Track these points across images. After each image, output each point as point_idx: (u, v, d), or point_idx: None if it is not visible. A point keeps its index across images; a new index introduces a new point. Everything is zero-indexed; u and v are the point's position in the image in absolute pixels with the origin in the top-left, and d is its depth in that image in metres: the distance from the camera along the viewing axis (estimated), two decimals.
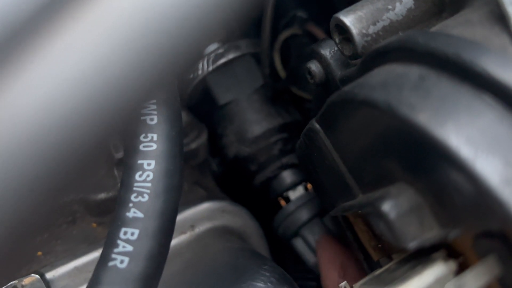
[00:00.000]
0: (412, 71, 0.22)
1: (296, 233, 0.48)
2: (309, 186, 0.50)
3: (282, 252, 0.50)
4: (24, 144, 0.18)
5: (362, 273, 0.40)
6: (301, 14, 0.56)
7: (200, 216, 0.43)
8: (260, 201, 0.51)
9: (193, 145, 0.49)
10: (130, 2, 0.17)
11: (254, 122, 0.50)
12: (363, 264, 0.36)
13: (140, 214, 0.27)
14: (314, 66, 0.33)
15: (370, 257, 0.36)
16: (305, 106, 0.55)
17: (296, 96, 0.54)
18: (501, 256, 0.19)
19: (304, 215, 0.47)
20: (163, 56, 0.18)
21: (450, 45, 0.21)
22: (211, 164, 0.52)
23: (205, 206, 0.44)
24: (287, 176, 0.50)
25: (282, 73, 0.54)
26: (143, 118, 0.30)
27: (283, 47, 0.54)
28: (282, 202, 0.50)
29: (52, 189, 0.19)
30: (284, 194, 0.50)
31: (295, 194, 0.50)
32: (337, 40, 0.31)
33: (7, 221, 0.19)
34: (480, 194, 0.18)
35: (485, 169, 0.18)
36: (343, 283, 0.30)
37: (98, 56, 0.17)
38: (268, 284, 0.33)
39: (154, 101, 0.30)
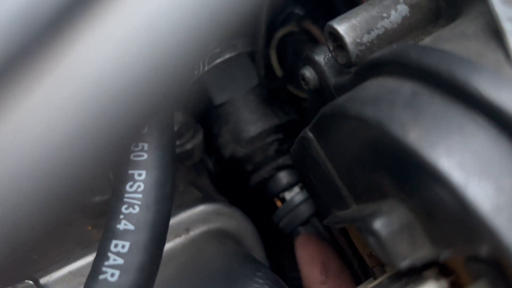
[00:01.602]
0: (405, 87, 0.22)
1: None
2: None
3: (278, 252, 0.50)
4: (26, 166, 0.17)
5: (344, 272, 0.39)
6: (298, 11, 0.55)
7: (195, 219, 0.43)
8: (256, 201, 0.51)
9: (189, 146, 0.49)
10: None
11: (249, 123, 0.49)
12: (355, 266, 0.36)
13: (131, 226, 0.27)
14: (308, 73, 0.33)
15: (365, 263, 0.36)
16: (302, 104, 0.54)
17: (293, 94, 0.53)
18: (492, 281, 0.18)
19: (308, 209, 0.47)
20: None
21: (443, 61, 0.20)
22: (207, 163, 0.52)
23: (200, 208, 0.44)
24: (283, 177, 0.50)
25: (278, 71, 0.53)
26: None
27: (279, 44, 0.54)
28: (278, 203, 0.50)
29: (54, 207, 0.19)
30: (280, 194, 0.50)
31: (291, 194, 0.49)
32: (331, 48, 0.30)
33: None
34: (471, 220, 0.18)
35: (477, 195, 0.17)
36: None
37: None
38: None
39: None
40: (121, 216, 0.27)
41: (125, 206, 0.28)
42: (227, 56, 0.50)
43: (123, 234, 0.27)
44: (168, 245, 0.43)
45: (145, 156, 0.29)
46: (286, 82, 0.53)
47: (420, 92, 0.21)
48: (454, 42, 0.23)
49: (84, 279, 0.41)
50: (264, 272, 0.35)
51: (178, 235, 0.42)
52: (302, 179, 0.37)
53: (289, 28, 0.54)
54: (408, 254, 0.21)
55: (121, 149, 0.18)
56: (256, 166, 0.50)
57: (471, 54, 0.21)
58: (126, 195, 0.28)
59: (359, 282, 0.38)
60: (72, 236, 0.44)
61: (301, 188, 0.50)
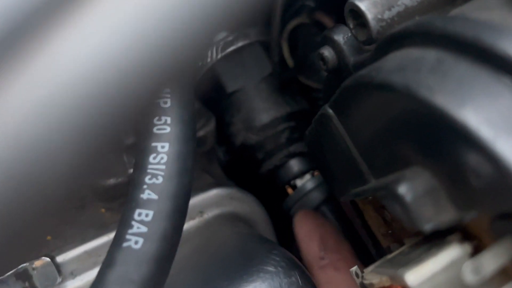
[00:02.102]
0: (430, 55, 0.22)
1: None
2: (316, 174, 0.50)
3: (288, 240, 0.51)
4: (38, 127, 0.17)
5: (343, 245, 0.39)
6: (309, 3, 0.55)
7: (209, 202, 0.44)
8: (267, 189, 0.51)
9: (201, 133, 0.49)
10: None
11: (261, 111, 0.50)
12: (369, 246, 0.36)
13: (154, 196, 0.28)
14: (327, 52, 0.33)
15: (379, 244, 0.36)
16: (313, 95, 0.55)
17: (304, 85, 0.54)
18: None
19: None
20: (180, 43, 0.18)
21: (469, 28, 0.21)
22: (217, 153, 0.53)
23: (213, 192, 0.44)
24: (295, 165, 0.50)
25: (290, 62, 0.54)
26: (156, 101, 0.30)
27: (291, 36, 0.54)
28: (289, 190, 0.50)
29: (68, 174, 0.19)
30: (292, 182, 0.50)
31: (303, 182, 0.50)
32: (351, 26, 0.31)
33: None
34: (500, 174, 0.18)
35: (506, 149, 0.18)
36: (354, 268, 0.30)
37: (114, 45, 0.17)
38: (279, 268, 0.33)
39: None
40: (145, 186, 0.28)
41: (148, 176, 0.28)
42: (240, 44, 0.51)
43: (147, 203, 0.27)
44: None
45: (168, 129, 0.29)
46: (297, 73, 0.53)
47: (445, 58, 0.22)
48: (477, 13, 0.23)
49: (99, 259, 0.41)
50: (279, 250, 0.35)
51: (192, 218, 0.43)
52: (317, 161, 0.38)
53: (301, 19, 0.55)
54: (433, 218, 0.22)
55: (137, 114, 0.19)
56: (268, 154, 0.51)
57: (495, 21, 0.21)
58: (150, 166, 0.28)
59: (363, 259, 0.38)
60: (85, 219, 0.44)
61: (313, 175, 0.50)
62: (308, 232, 0.41)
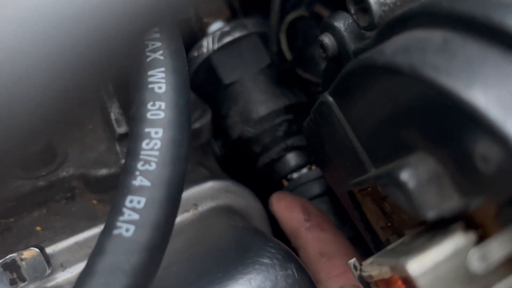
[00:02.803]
0: (435, 35, 0.21)
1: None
2: (313, 168, 0.49)
3: (283, 234, 0.50)
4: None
5: (324, 213, 0.39)
6: None
7: (203, 195, 0.43)
8: (264, 183, 0.51)
9: (197, 125, 0.48)
10: None
11: (259, 103, 0.49)
12: (367, 240, 0.35)
13: (147, 183, 0.27)
14: (327, 39, 0.32)
15: (378, 238, 0.35)
16: (311, 89, 0.54)
17: (302, 78, 0.53)
18: None
19: (311, 191, 0.47)
20: None
21: (477, 6, 0.20)
22: (213, 146, 0.52)
23: (208, 185, 0.43)
24: (292, 158, 0.49)
25: (288, 55, 0.53)
26: (151, 86, 0.29)
27: (289, 29, 0.53)
28: (286, 184, 0.49)
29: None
30: (288, 176, 0.49)
31: (300, 175, 0.49)
32: (352, 11, 0.30)
33: None
34: (510, 158, 0.17)
35: None
36: (352, 260, 0.29)
37: None
38: (274, 260, 0.32)
39: (163, 69, 0.30)
40: (137, 173, 0.27)
41: (141, 162, 0.27)
42: (237, 35, 0.50)
43: (139, 190, 0.26)
44: (176, 220, 0.43)
45: (162, 115, 0.28)
46: (295, 66, 0.53)
47: (451, 38, 0.21)
48: None
49: (90, 251, 0.40)
50: (275, 243, 0.34)
51: (187, 210, 0.42)
52: (315, 153, 0.37)
53: (299, 12, 0.54)
54: (437, 205, 0.21)
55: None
56: (265, 147, 0.50)
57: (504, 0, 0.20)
58: (143, 152, 0.27)
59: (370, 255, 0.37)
60: (76, 211, 0.43)
61: (310, 169, 0.49)
62: (288, 204, 0.41)
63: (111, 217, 0.26)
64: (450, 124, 0.20)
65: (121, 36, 0.18)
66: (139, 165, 0.27)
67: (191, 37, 0.51)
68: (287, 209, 0.40)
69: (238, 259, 0.33)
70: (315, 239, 0.38)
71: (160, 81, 0.29)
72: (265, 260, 0.32)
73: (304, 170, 0.49)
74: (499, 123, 0.17)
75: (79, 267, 0.38)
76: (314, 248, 0.37)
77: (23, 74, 0.17)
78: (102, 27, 0.17)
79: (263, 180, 0.51)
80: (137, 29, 0.19)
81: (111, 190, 0.43)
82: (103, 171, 0.43)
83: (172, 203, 0.27)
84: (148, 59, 0.30)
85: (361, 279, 0.29)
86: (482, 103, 0.18)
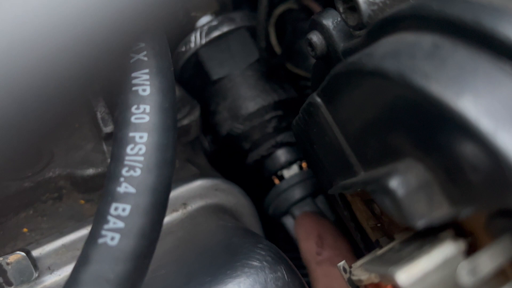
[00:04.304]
0: (425, 40, 0.21)
1: (287, 211, 0.47)
2: (304, 165, 0.49)
3: (274, 231, 0.49)
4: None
5: (340, 242, 0.39)
6: None
7: (192, 194, 0.42)
8: (254, 180, 0.50)
9: (185, 121, 0.47)
10: None
11: (248, 99, 0.48)
12: (357, 240, 0.35)
13: (132, 189, 0.26)
14: (315, 37, 0.32)
15: (368, 237, 0.35)
16: (300, 83, 0.53)
17: (291, 73, 0.52)
18: None
19: (296, 194, 0.46)
20: None
21: (468, 10, 0.19)
22: (203, 142, 0.51)
23: (197, 183, 0.43)
24: (282, 155, 0.49)
25: (277, 48, 0.52)
26: (135, 88, 0.28)
27: (278, 22, 0.52)
28: (276, 181, 0.49)
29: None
30: (278, 172, 0.49)
31: (290, 173, 0.48)
32: (341, 10, 0.29)
33: None
34: (500, 169, 0.17)
35: (507, 141, 0.16)
36: (342, 263, 0.29)
37: None
38: (264, 263, 0.32)
39: (147, 70, 0.29)
40: (122, 179, 0.26)
41: (125, 168, 0.26)
42: (225, 29, 0.49)
43: (124, 197, 0.26)
44: (165, 220, 0.42)
45: (147, 118, 0.28)
46: (285, 60, 0.52)
47: (441, 43, 0.20)
48: None
49: (77, 253, 0.40)
50: (265, 244, 0.34)
51: (176, 210, 0.41)
52: (305, 152, 0.36)
53: (288, 5, 0.53)
54: (426, 214, 0.21)
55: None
56: (254, 144, 0.49)
57: (496, 3, 0.20)
58: (127, 157, 0.27)
59: (361, 256, 0.37)
60: (63, 211, 0.43)
61: (300, 166, 0.49)
62: (306, 231, 0.41)
63: (96, 225, 0.26)
64: (440, 133, 0.19)
65: (110, 46, 0.18)
66: (124, 171, 0.26)
67: (178, 31, 0.50)
68: (304, 236, 0.41)
69: (227, 262, 0.32)
70: (324, 274, 0.38)
71: (144, 83, 0.29)
72: (255, 263, 0.32)
73: (295, 167, 0.49)
74: (489, 134, 0.17)
75: (67, 270, 0.38)
76: (322, 284, 0.38)
77: (12, 79, 0.16)
78: (93, 34, 0.17)
79: (253, 177, 0.50)
80: (126, 39, 0.18)
81: (99, 189, 0.43)
82: (90, 171, 0.42)
83: (157, 210, 0.26)
84: (132, 60, 0.29)
85: (351, 282, 0.28)
86: (472, 113, 0.17)
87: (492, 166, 0.17)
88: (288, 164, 0.49)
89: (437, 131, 0.19)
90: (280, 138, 0.49)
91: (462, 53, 0.19)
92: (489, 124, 0.17)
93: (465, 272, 0.18)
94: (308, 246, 0.40)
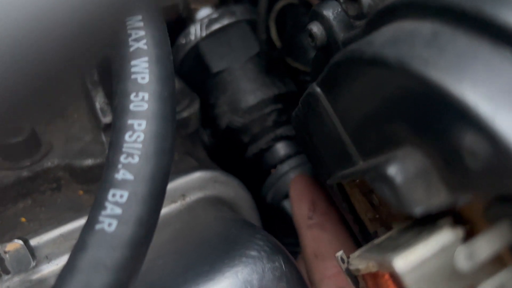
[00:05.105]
0: (425, 27, 0.21)
1: (287, 195, 0.47)
2: None
3: (272, 224, 0.49)
4: None
5: (332, 212, 0.39)
6: None
7: (191, 186, 0.42)
8: (253, 173, 0.50)
9: (185, 114, 0.47)
10: None
11: (248, 92, 0.48)
12: (355, 232, 0.35)
13: (130, 176, 0.26)
14: (315, 28, 0.32)
15: (366, 230, 0.35)
16: (300, 77, 0.53)
17: (291, 67, 0.52)
18: None
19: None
20: None
21: None
22: (202, 135, 0.51)
23: (196, 175, 0.43)
24: (281, 148, 0.49)
25: (277, 43, 0.52)
26: (134, 76, 0.28)
27: (279, 16, 0.52)
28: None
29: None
30: (278, 166, 0.49)
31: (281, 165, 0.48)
32: (341, 0, 0.29)
33: None
34: (499, 154, 0.17)
35: (506, 126, 0.16)
36: (339, 253, 0.29)
37: None
38: (262, 253, 0.32)
39: (146, 58, 0.29)
40: (120, 166, 0.26)
41: (124, 155, 0.26)
42: (225, 22, 0.49)
43: (122, 184, 0.26)
44: (163, 211, 0.42)
45: (146, 106, 0.28)
46: (285, 54, 0.52)
47: (441, 30, 0.20)
48: None
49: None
50: (263, 235, 0.34)
51: (174, 201, 0.41)
52: (303, 144, 0.36)
53: (289, 0, 0.53)
54: (424, 201, 0.21)
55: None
56: (254, 137, 0.49)
57: None
58: (125, 144, 0.27)
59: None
60: (62, 202, 0.43)
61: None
62: (299, 194, 0.41)
63: (93, 212, 0.26)
64: (439, 119, 0.19)
65: (103, 19, 0.18)
66: (122, 158, 0.26)
67: (178, 23, 0.50)
68: (297, 199, 0.41)
69: (225, 251, 0.32)
70: (313, 239, 0.38)
71: (143, 71, 0.28)
72: (252, 253, 0.32)
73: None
74: (488, 119, 0.17)
75: (64, 259, 0.38)
76: (310, 248, 0.37)
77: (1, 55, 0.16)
78: (83, 9, 0.17)
79: (252, 170, 0.50)
80: (118, 11, 0.18)
81: (97, 180, 0.43)
82: (89, 162, 0.42)
83: (155, 197, 0.26)
84: (131, 49, 0.29)
85: (348, 272, 0.28)
86: (471, 98, 0.17)
87: (490, 151, 0.17)
88: (287, 158, 0.49)
89: (435, 117, 0.19)
90: (279, 131, 0.49)
91: (462, 40, 0.19)
92: (488, 109, 0.17)
93: (462, 256, 0.18)
94: (300, 210, 0.40)
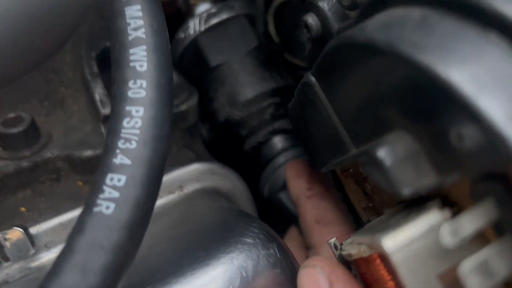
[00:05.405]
0: (414, 13, 0.21)
1: (284, 186, 0.47)
2: None
3: (269, 217, 0.50)
4: None
5: (329, 190, 0.40)
6: None
7: (189, 177, 0.43)
8: (250, 166, 0.51)
9: (183, 107, 0.48)
10: None
11: (246, 85, 0.49)
12: (350, 221, 0.36)
13: (127, 161, 0.26)
14: (311, 19, 0.32)
15: (360, 219, 0.35)
16: (298, 73, 0.54)
17: (289, 63, 0.53)
18: (499, 199, 0.18)
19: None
20: None
21: None
22: (201, 130, 0.52)
23: (194, 167, 0.43)
24: (278, 141, 0.49)
25: (276, 38, 0.52)
26: (132, 64, 0.29)
27: (277, 12, 0.53)
28: None
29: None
30: (274, 158, 0.49)
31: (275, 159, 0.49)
32: None
33: None
34: (483, 131, 0.17)
35: (489, 105, 0.17)
36: (333, 240, 0.30)
37: None
38: (257, 240, 0.32)
39: (145, 47, 0.29)
40: (118, 151, 0.27)
41: (121, 141, 0.27)
42: (224, 16, 0.49)
43: (120, 168, 0.26)
44: (160, 201, 0.43)
45: (144, 93, 0.28)
46: (283, 50, 0.52)
47: (429, 15, 0.21)
48: None
49: None
50: (258, 223, 0.35)
51: (172, 192, 0.42)
52: (299, 134, 0.37)
53: None
54: (413, 182, 0.21)
55: None
56: (251, 130, 0.50)
57: None
58: (123, 130, 0.27)
59: None
60: (61, 192, 0.43)
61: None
62: (297, 172, 0.41)
63: (91, 195, 0.26)
64: (426, 101, 0.20)
65: None
66: (120, 143, 0.27)
67: (177, 18, 0.51)
68: (294, 177, 0.41)
69: (220, 238, 0.33)
70: (314, 206, 0.38)
71: (141, 59, 0.29)
72: (248, 240, 0.32)
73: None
74: (472, 99, 0.17)
75: None
76: (311, 215, 0.38)
77: None
78: None
79: (250, 163, 0.51)
80: None
81: (96, 171, 0.43)
82: (88, 152, 0.43)
83: (152, 182, 0.27)
84: (130, 37, 0.29)
85: (341, 258, 0.29)
86: (456, 78, 0.18)
87: (475, 131, 0.18)
88: (284, 151, 0.49)
89: (424, 100, 0.20)
90: (277, 125, 0.49)
91: (449, 24, 0.20)
92: (472, 88, 0.17)
93: (447, 232, 0.18)
94: (298, 184, 0.40)
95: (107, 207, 0.25)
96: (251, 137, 0.50)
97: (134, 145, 0.27)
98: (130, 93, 0.28)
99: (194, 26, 0.49)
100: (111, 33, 0.30)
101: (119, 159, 0.27)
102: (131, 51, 0.29)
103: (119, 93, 0.28)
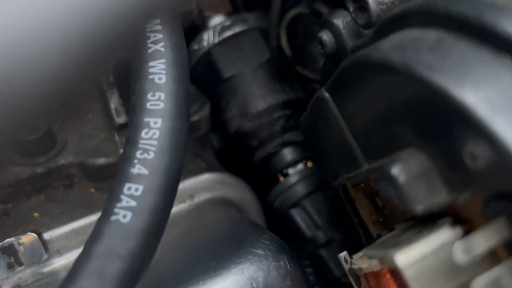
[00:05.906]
0: (430, 35, 0.22)
1: (297, 203, 0.47)
2: (309, 164, 0.50)
3: (278, 229, 0.50)
4: None
5: None
6: None
7: (200, 187, 0.43)
8: (260, 177, 0.51)
9: (195, 118, 0.49)
10: None
11: (258, 97, 0.49)
12: (360, 235, 0.36)
13: (145, 171, 0.27)
14: (325, 36, 0.33)
15: (370, 233, 0.36)
16: (309, 85, 0.54)
17: (301, 75, 0.53)
18: (511, 218, 0.19)
19: (307, 186, 0.47)
20: None
21: (471, 7, 0.21)
22: (211, 140, 0.52)
23: (205, 177, 0.44)
24: (288, 153, 0.50)
25: (288, 51, 0.53)
26: (151, 77, 0.30)
27: (290, 25, 0.54)
28: (282, 179, 0.50)
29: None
30: (284, 171, 0.50)
31: (295, 171, 0.49)
32: (351, 9, 0.30)
33: None
34: (496, 152, 0.18)
35: (503, 126, 0.18)
36: (343, 254, 0.30)
37: None
38: (268, 251, 0.33)
39: (163, 60, 0.30)
40: (136, 161, 0.27)
41: (139, 151, 0.28)
42: (238, 29, 0.50)
43: (137, 178, 0.27)
44: (172, 210, 0.43)
45: (162, 105, 0.29)
46: (295, 62, 0.53)
47: (445, 38, 0.21)
48: None
49: (87, 238, 0.41)
50: (269, 235, 0.35)
51: (183, 201, 0.42)
52: (311, 147, 0.37)
53: (300, 9, 0.54)
54: (426, 199, 0.22)
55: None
56: (262, 142, 0.50)
57: (497, 1, 0.21)
58: (141, 141, 0.28)
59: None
60: (74, 198, 0.44)
61: (306, 165, 0.50)
62: None
63: (109, 203, 0.27)
64: (441, 121, 0.20)
65: (123, 23, 0.19)
66: (138, 154, 0.28)
67: (192, 30, 0.52)
68: None
69: (232, 249, 0.33)
70: None
71: (160, 72, 0.30)
72: (259, 251, 0.33)
73: (300, 165, 0.50)
74: (486, 121, 0.18)
75: (76, 253, 0.39)
76: None
77: (25, 60, 0.17)
78: (104, 13, 0.18)
79: (259, 174, 0.51)
80: (138, 16, 0.19)
81: (109, 179, 0.44)
82: (102, 160, 0.43)
83: (169, 192, 0.28)
84: (150, 51, 0.30)
85: (351, 272, 0.29)
86: (471, 101, 0.18)
87: (489, 152, 0.18)
88: (294, 163, 0.50)
89: (438, 120, 0.20)
90: (287, 136, 0.50)
91: (464, 47, 0.20)
92: (486, 111, 0.18)
93: (460, 250, 0.19)
94: None
95: (124, 216, 0.26)
96: (261, 148, 0.51)
97: (151, 155, 0.28)
98: (148, 105, 0.29)
99: (208, 38, 0.50)
100: (131, 46, 0.31)
101: (136, 169, 0.27)
102: (151, 64, 0.30)
103: (138, 105, 0.29)
